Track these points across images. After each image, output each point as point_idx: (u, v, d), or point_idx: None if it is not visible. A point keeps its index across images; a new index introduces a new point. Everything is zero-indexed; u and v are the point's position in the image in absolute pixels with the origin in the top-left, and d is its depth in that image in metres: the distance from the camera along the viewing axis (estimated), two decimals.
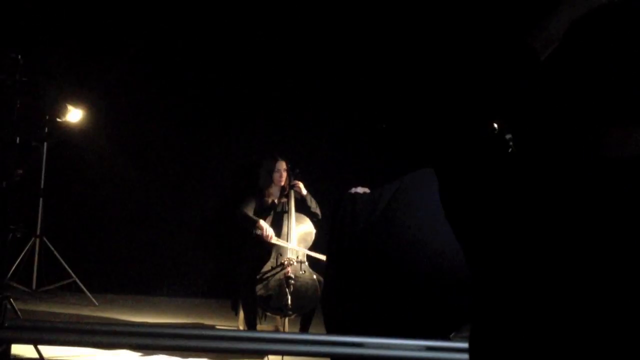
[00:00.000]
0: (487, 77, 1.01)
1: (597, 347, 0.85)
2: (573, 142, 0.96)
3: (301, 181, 5.32)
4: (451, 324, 3.02)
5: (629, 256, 0.85)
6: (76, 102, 5.97)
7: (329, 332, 3.26)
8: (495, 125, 1.04)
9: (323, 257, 4.81)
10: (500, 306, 0.94)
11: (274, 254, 5.02)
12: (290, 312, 4.68)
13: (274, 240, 5.02)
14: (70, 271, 5.95)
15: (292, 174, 5.33)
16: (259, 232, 5.05)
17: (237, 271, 5.25)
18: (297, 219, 5.16)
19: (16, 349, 3.82)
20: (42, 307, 5.69)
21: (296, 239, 5.09)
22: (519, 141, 0.99)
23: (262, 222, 5.06)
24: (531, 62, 1.02)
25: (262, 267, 4.97)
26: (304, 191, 5.27)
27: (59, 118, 5.88)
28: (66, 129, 6.06)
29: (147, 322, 5.42)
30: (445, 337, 2.97)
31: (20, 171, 4.14)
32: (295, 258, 5.00)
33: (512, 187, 0.93)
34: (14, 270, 5.68)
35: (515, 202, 0.92)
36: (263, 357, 4.64)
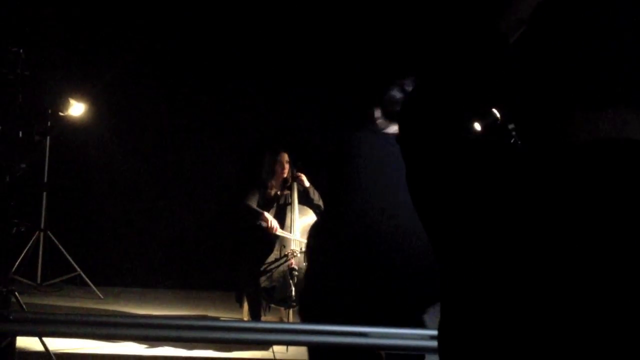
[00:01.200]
0: (454, 61, 0.98)
1: (566, 342, 0.83)
2: (539, 129, 0.95)
3: (303, 173, 5.32)
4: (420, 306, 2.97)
5: (595, 244, 0.84)
6: (78, 95, 5.97)
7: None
8: (497, 114, 1.03)
9: None
10: (470, 297, 0.92)
11: (277, 246, 5.03)
12: (294, 304, 4.69)
13: (279, 232, 5.03)
14: (74, 264, 5.97)
15: (295, 166, 5.33)
16: (263, 224, 5.05)
17: (241, 263, 5.26)
18: (300, 211, 5.17)
19: (21, 341, 3.84)
20: (47, 301, 5.72)
21: (299, 231, 5.09)
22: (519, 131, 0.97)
23: (266, 214, 5.07)
24: (499, 46, 1.00)
25: (265, 259, 4.98)
26: (307, 183, 5.27)
27: (62, 112, 5.88)
28: (69, 123, 6.07)
29: (152, 314, 5.43)
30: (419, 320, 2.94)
31: (24, 165, 4.14)
32: (298, 250, 5.01)
33: (498, 179, 0.91)
34: (18, 264, 5.70)
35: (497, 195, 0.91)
36: (268, 348, 4.66)
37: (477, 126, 0.97)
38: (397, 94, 3.02)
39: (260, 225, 5.07)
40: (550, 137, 0.94)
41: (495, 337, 0.89)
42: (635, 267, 0.82)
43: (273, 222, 5.03)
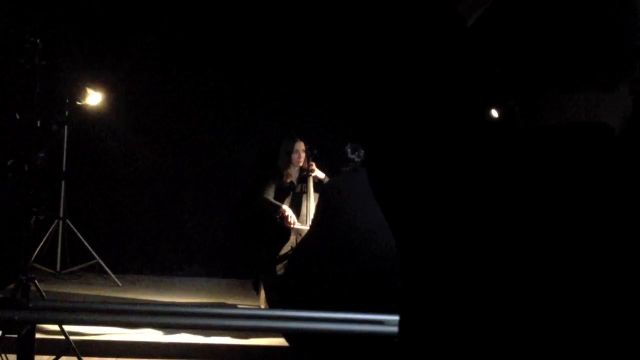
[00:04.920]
0: (410, 44, 0.95)
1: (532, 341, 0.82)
2: (506, 113, 0.93)
3: (320, 161, 5.31)
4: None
5: (565, 229, 0.83)
6: (96, 85, 6.00)
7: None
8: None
9: None
10: (434, 295, 0.90)
11: (293, 235, 5.05)
12: None
13: (296, 225, 5.05)
14: (93, 252, 6.02)
15: (311, 155, 5.32)
16: (279, 219, 5.08)
17: (258, 251, 5.28)
18: (316, 200, 5.17)
19: (41, 329, 3.89)
20: (66, 289, 5.77)
21: None
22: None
23: (284, 207, 5.08)
24: (457, 28, 0.97)
25: (282, 247, 4.99)
26: (321, 174, 5.26)
27: (79, 101, 5.91)
28: (86, 112, 6.10)
29: (170, 302, 5.47)
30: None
31: (42, 154, 4.17)
32: None
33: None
34: (38, 253, 5.76)
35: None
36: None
37: (446, 116, 0.94)
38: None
39: (278, 218, 5.09)
40: (521, 121, 0.93)
41: (462, 332, 0.87)
42: (603, 247, 0.80)
43: (291, 217, 5.04)
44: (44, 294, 3.84)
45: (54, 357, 3.78)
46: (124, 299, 5.55)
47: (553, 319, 0.81)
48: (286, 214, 5.04)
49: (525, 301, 0.82)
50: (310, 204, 5.13)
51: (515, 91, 0.94)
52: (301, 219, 5.10)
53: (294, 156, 5.26)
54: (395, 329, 2.95)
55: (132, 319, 3.28)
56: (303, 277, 3.23)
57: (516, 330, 0.82)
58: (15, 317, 3.05)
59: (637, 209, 0.80)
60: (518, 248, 0.83)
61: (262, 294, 5.14)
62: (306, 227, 5.05)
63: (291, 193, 5.22)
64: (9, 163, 4.09)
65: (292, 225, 5.02)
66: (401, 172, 0.91)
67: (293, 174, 5.32)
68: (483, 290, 0.84)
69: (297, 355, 3.30)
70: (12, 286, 3.98)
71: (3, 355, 3.42)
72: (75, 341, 3.88)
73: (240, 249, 6.89)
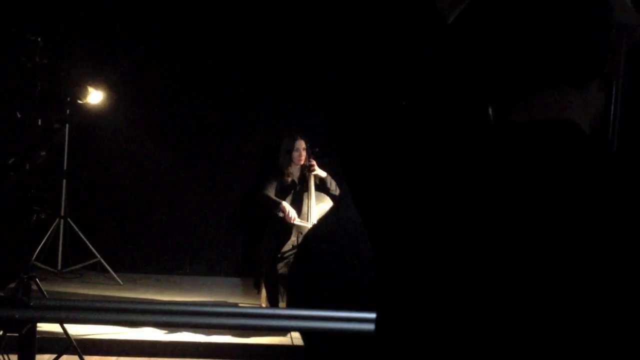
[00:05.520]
0: (387, 40, 0.94)
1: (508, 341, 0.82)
2: (480, 111, 0.93)
3: (321, 160, 5.31)
4: None
5: (533, 228, 0.82)
6: (97, 83, 6.00)
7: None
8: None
9: None
10: (410, 293, 0.89)
11: (294, 233, 5.05)
12: None
13: (296, 221, 5.04)
14: (94, 251, 6.03)
15: (312, 153, 5.32)
16: (281, 214, 5.07)
17: (259, 250, 5.28)
18: (317, 198, 5.17)
19: (42, 328, 3.89)
20: (67, 287, 5.78)
21: (316, 218, 5.10)
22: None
23: (284, 204, 5.08)
24: (437, 25, 0.95)
25: (283, 246, 4.99)
26: (323, 173, 5.26)
27: (80, 100, 5.91)
28: (87, 111, 6.10)
29: (171, 301, 5.47)
30: None
31: (43, 153, 4.17)
32: None
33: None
34: (39, 251, 5.76)
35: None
36: (285, 334, 4.68)
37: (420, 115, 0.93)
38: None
39: (278, 215, 5.09)
40: (490, 118, 0.93)
41: (432, 333, 0.86)
42: (569, 247, 0.80)
43: (291, 212, 5.04)
44: (45, 292, 3.84)
45: (55, 355, 3.78)
46: (124, 297, 5.55)
47: (535, 319, 0.81)
48: (287, 210, 5.05)
49: (499, 299, 0.82)
50: (312, 202, 5.13)
51: (487, 89, 0.94)
52: (302, 217, 5.10)
53: (295, 155, 5.26)
54: None
55: (133, 317, 3.28)
56: (311, 272, 3.22)
57: (488, 328, 0.82)
58: (17, 316, 3.05)
59: (605, 205, 0.80)
60: (489, 245, 0.83)
61: (263, 292, 5.14)
62: (308, 225, 5.05)
63: (292, 191, 5.22)
64: (10, 162, 4.09)
65: (292, 221, 5.02)
66: (377, 170, 0.90)
67: (294, 173, 5.32)
68: (459, 289, 0.84)
69: (312, 354, 3.29)
70: (13, 285, 3.98)
71: (4, 354, 3.42)
72: (77, 340, 3.89)
73: (241, 248, 6.89)
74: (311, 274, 3.09)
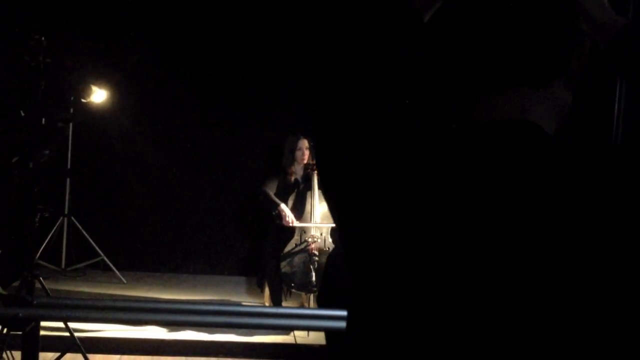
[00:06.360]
0: (364, 42, 0.92)
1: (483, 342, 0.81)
2: (447, 110, 0.93)
3: None
4: None
5: (497, 228, 0.82)
6: (100, 82, 6.01)
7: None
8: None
9: None
10: (384, 293, 0.89)
11: (298, 232, 5.05)
12: (315, 289, 4.71)
13: (295, 223, 5.04)
14: (98, 250, 6.04)
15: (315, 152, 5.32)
16: (277, 220, 5.07)
17: (262, 249, 5.28)
18: (320, 197, 5.17)
19: (46, 326, 3.89)
20: (71, 286, 5.79)
21: (320, 216, 5.10)
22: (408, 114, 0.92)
23: (282, 207, 5.07)
24: (413, 24, 0.94)
25: (286, 244, 4.99)
26: None
27: (84, 99, 5.92)
28: (91, 109, 6.11)
29: (175, 299, 5.48)
30: None
31: (47, 152, 4.17)
32: (319, 235, 5.01)
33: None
34: (42, 250, 5.77)
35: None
36: (289, 333, 4.69)
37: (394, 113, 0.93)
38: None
39: (274, 215, 5.09)
40: (452, 118, 0.93)
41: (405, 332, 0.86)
42: (534, 247, 0.80)
43: (289, 217, 5.03)
44: (48, 291, 3.84)
45: (58, 354, 3.79)
46: (128, 296, 5.56)
47: (492, 316, 0.81)
48: (283, 213, 5.04)
49: (462, 298, 0.82)
50: (315, 201, 5.13)
51: (448, 89, 0.94)
52: (305, 216, 5.10)
53: (298, 154, 5.26)
54: None
55: (137, 316, 3.29)
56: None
57: (457, 326, 0.82)
58: (20, 314, 3.06)
59: (568, 206, 0.80)
60: (449, 245, 0.83)
61: (267, 291, 5.14)
62: (311, 225, 5.04)
63: (295, 190, 5.22)
64: (13, 160, 4.10)
65: (290, 224, 5.02)
66: (346, 164, 0.90)
67: (297, 172, 5.32)
68: (424, 287, 0.84)
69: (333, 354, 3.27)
70: (16, 283, 3.98)
71: (8, 352, 3.43)
72: (80, 338, 3.89)
73: (245, 247, 6.90)
74: (342, 299, 3.06)
